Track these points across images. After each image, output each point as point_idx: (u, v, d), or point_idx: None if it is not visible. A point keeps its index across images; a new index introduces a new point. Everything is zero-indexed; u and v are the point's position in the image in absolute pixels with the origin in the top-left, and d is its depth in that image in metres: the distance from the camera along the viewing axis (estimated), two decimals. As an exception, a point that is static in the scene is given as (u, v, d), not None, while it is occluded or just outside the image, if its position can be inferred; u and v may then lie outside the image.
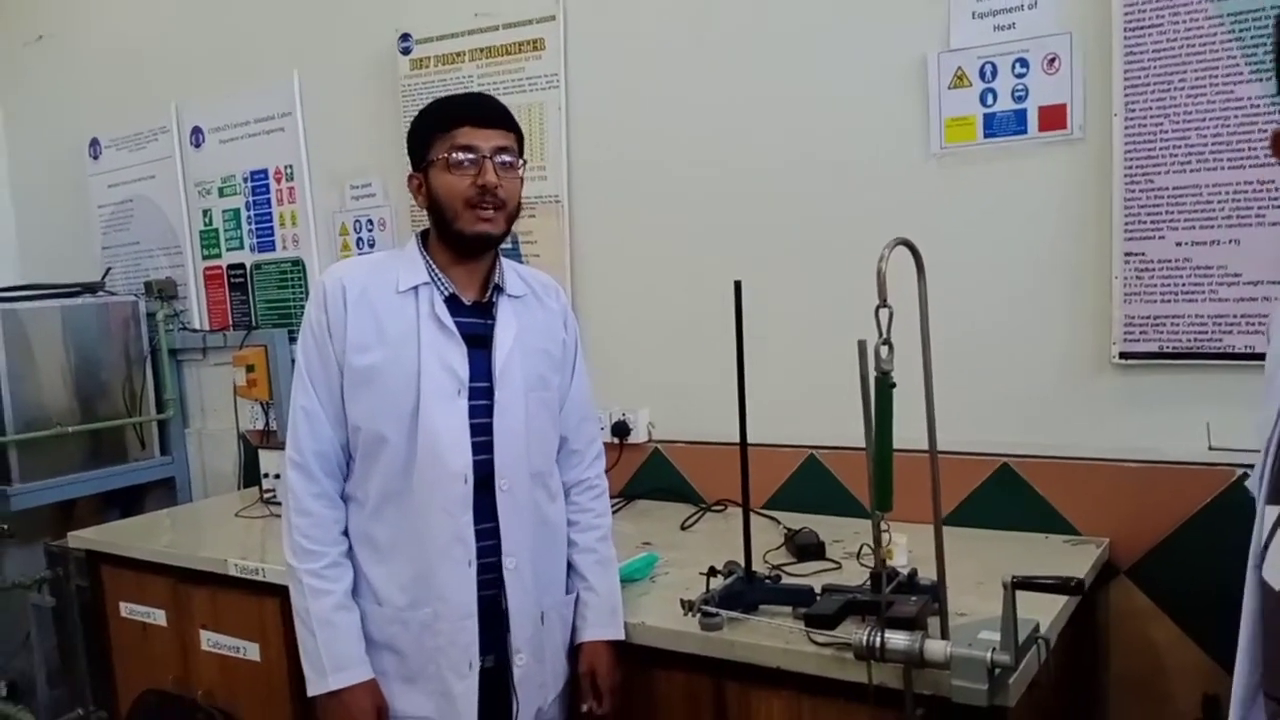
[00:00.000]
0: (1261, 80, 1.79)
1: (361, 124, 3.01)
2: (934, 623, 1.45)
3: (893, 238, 1.39)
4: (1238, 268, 1.84)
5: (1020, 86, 2.03)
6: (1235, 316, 1.85)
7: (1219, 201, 1.85)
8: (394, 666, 1.62)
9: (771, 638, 1.59)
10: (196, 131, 3.40)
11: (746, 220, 2.38)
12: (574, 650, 1.73)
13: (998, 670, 1.32)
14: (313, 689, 1.61)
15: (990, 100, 2.06)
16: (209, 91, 3.33)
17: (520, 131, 1.64)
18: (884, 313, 1.33)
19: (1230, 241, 1.84)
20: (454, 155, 1.56)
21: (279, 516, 2.63)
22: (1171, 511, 1.94)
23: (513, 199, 1.61)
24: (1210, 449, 1.77)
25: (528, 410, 1.63)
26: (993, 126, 2.07)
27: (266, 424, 3.27)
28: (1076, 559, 1.90)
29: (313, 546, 1.60)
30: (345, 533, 1.64)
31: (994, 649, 1.32)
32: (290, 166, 3.18)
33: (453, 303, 1.62)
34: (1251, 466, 1.84)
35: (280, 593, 2.19)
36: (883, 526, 1.39)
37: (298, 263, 3.22)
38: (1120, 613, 2.00)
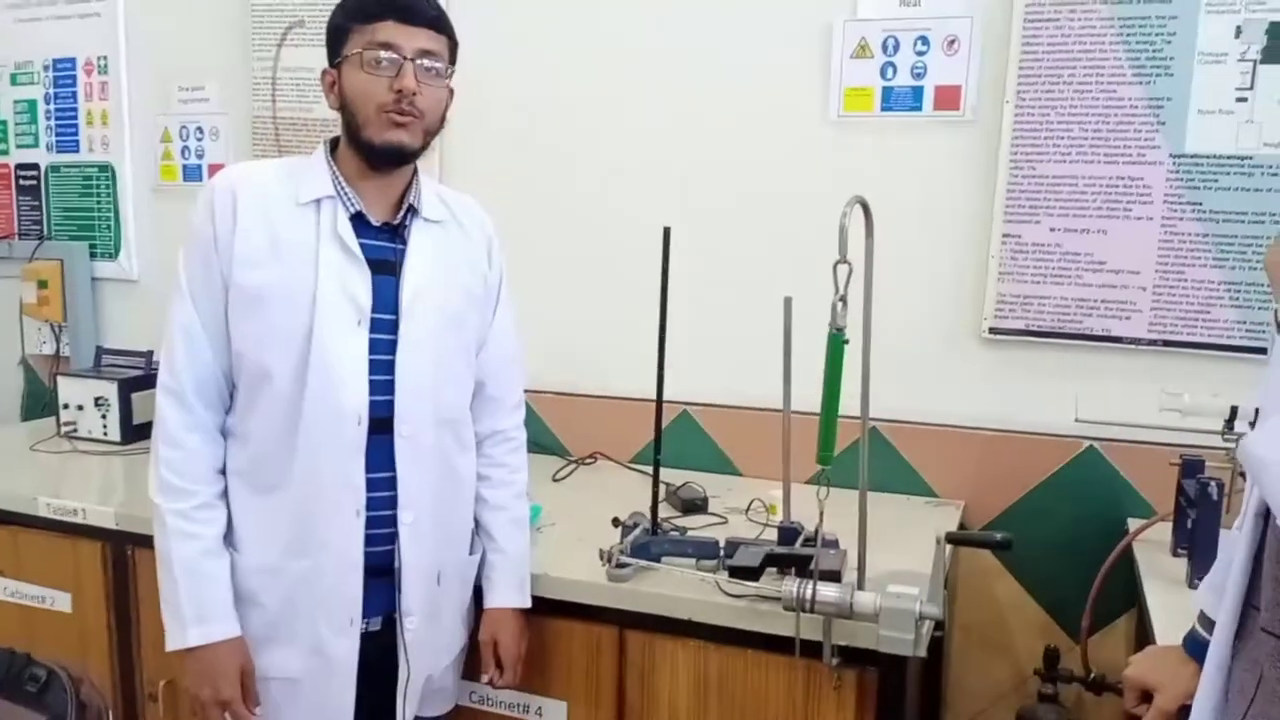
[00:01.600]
0: (1142, 83, 1.93)
1: (200, 17, 2.69)
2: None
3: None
4: (1103, 256, 1.99)
5: (920, 64, 2.09)
6: (1097, 301, 2.01)
7: (1093, 193, 1.98)
8: (257, 622, 1.46)
9: (682, 589, 1.58)
10: (-17, 5, 2.93)
11: (638, 168, 2.32)
12: (474, 614, 1.63)
13: (923, 621, 1.37)
14: (171, 642, 1.43)
15: (890, 74, 2.11)
16: (3, -41, 2.88)
17: (453, 35, 1.48)
18: (842, 269, 1.32)
19: (1099, 231, 1.99)
20: (370, 53, 1.38)
21: (84, 453, 2.37)
22: (1023, 477, 2.09)
23: (434, 111, 1.44)
24: (1076, 420, 1.91)
25: (437, 349, 1.49)
26: (890, 100, 2.12)
27: (58, 349, 2.89)
28: (942, 518, 2.01)
29: (182, 484, 1.42)
30: (223, 471, 1.47)
31: (920, 600, 1.37)
32: (105, 58, 2.80)
33: (359, 222, 1.45)
34: (1102, 440, 2.03)
35: (103, 536, 1.96)
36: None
37: (105, 168, 2.85)
38: (968, 569, 2.15)
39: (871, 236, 1.45)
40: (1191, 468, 1.75)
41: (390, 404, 1.44)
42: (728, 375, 2.31)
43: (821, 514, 1.39)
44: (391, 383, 1.44)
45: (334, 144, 1.48)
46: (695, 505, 2.00)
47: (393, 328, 1.45)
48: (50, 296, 2.83)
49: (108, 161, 2.85)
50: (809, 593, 1.39)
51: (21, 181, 2.98)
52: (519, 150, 2.42)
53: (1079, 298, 2.02)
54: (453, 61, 1.48)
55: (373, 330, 1.43)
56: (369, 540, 1.45)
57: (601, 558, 1.57)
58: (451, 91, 1.49)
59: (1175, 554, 1.77)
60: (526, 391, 2.47)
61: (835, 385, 1.35)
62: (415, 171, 1.51)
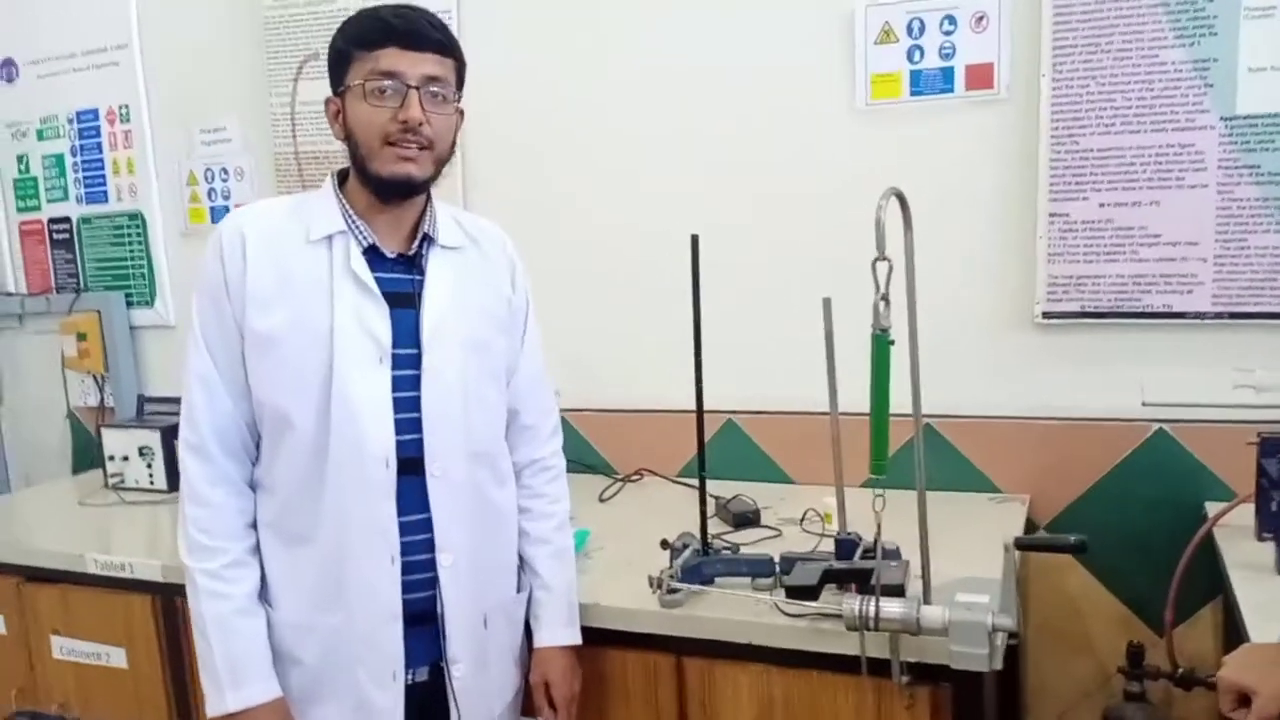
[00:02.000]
0: (1185, 45, 1.83)
1: (214, 57, 2.68)
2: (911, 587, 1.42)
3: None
4: (1158, 229, 1.89)
5: (948, 44, 2.01)
6: (1155, 276, 1.90)
7: (1141, 164, 1.89)
8: (297, 681, 1.41)
9: (738, 611, 1.51)
10: (7, 64, 2.95)
11: (659, 175, 2.27)
12: (528, 653, 1.57)
13: (996, 634, 1.29)
14: (211, 708, 1.38)
15: (917, 57, 2.03)
16: (24, 16, 2.89)
17: (461, 57, 1.42)
18: (882, 266, 1.25)
19: (1151, 203, 1.89)
20: (373, 83, 1.32)
21: (131, 504, 2.37)
22: (1089, 467, 1.99)
23: (443, 138, 1.37)
24: (1144, 405, 1.81)
25: (465, 380, 1.43)
26: (919, 84, 2.04)
27: (102, 400, 2.90)
28: (1006, 516, 1.92)
29: (210, 542, 1.37)
30: (254, 525, 1.42)
31: (993, 613, 1.29)
32: (126, 107, 2.81)
33: (374, 255, 1.40)
34: (1171, 422, 1.93)
35: (153, 589, 1.94)
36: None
37: (135, 216, 2.86)
38: (1038, 565, 2.05)
39: (910, 229, 1.37)
40: (1272, 446, 1.64)
41: (419, 443, 1.39)
42: (770, 380, 2.24)
43: (879, 526, 1.32)
44: (418, 420, 1.39)
45: (343, 176, 1.44)
46: (747, 519, 1.93)
47: (415, 362, 1.39)
48: (90, 348, 2.84)
49: (137, 209, 2.85)
50: (872, 610, 1.32)
51: (55, 236, 3.00)
52: (539, 165, 2.38)
53: (1135, 274, 1.92)
54: (461, 84, 1.42)
55: (395, 367, 1.38)
56: (407, 587, 1.40)
57: (651, 585, 1.51)
58: (462, 113, 1.44)
59: (1260, 538, 1.67)
60: (565, 411, 2.45)
61: (884, 389, 1.28)
62: (429, 199, 1.46)
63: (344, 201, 1.40)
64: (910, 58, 2.04)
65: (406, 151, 1.34)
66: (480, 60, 2.36)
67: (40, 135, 2.95)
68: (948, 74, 2.01)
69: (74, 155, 2.91)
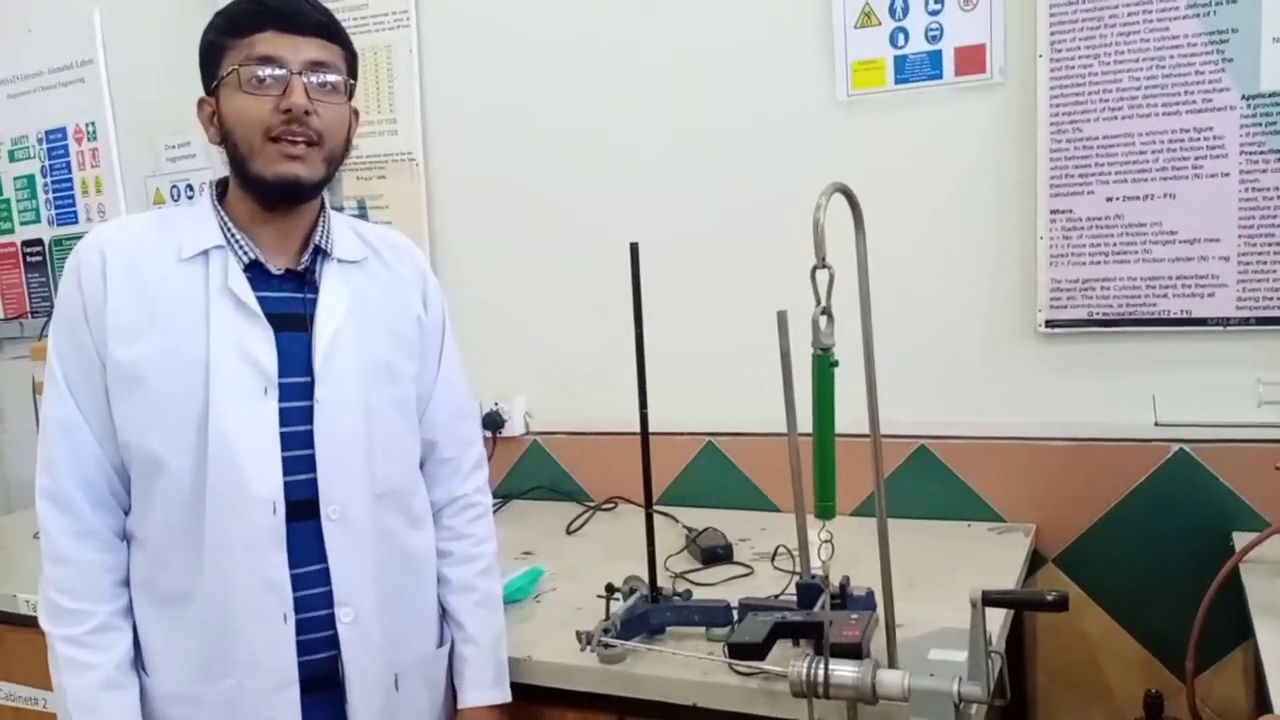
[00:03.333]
0: (1199, 16, 1.62)
1: (177, 72, 2.51)
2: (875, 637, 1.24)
3: (815, 188, 1.13)
4: (1173, 224, 1.68)
5: (934, 25, 1.82)
6: (1171, 278, 1.70)
7: (1153, 152, 1.68)
8: None
9: (684, 669, 1.33)
10: (-23, 84, 2.88)
11: (631, 180, 2.10)
12: (451, 716, 1.40)
13: (966, 705, 1.10)
14: None
15: (901, 41, 1.84)
16: (-9, 36, 2.82)
17: (350, 45, 1.27)
18: (822, 275, 1.07)
19: (1165, 196, 1.68)
20: (249, 69, 1.17)
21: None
22: (1103, 493, 1.78)
23: (334, 133, 1.22)
24: (1157, 424, 1.60)
25: (367, 411, 1.27)
26: (904, 70, 1.85)
27: (75, 425, 2.80)
28: (1008, 550, 1.73)
29: (72, 604, 1.19)
30: (125, 583, 1.25)
31: (960, 678, 1.10)
32: (93, 124, 2.71)
33: (257, 272, 1.24)
34: (1193, 442, 1.71)
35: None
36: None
37: (104, 237, 2.76)
38: (1049, 604, 1.84)
39: (862, 229, 1.19)
40: (1304, 471, 1.43)
41: (313, 483, 1.22)
42: (755, 400, 2.02)
43: (826, 576, 1.14)
44: (312, 458, 1.23)
45: (222, 187, 1.29)
46: (717, 554, 1.75)
47: (308, 392, 1.23)
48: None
49: (106, 229, 2.75)
50: (821, 674, 1.13)
51: (29, 259, 2.91)
52: (511, 177, 2.23)
53: (1149, 276, 1.71)
54: (353, 75, 1.27)
55: (284, 398, 1.21)
56: (305, 648, 1.23)
57: (580, 640, 1.33)
58: (356, 113, 1.29)
59: (1295, 577, 1.45)
60: (539, 434, 2.31)
61: (828, 418, 1.09)
62: (323, 206, 1.30)
63: (222, 213, 1.25)
64: (894, 42, 1.85)
65: (293, 149, 1.19)
66: (439, 57, 2.26)
67: (12, 156, 2.87)
68: (935, 58, 1.82)
69: (44, 176, 2.82)
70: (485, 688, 1.37)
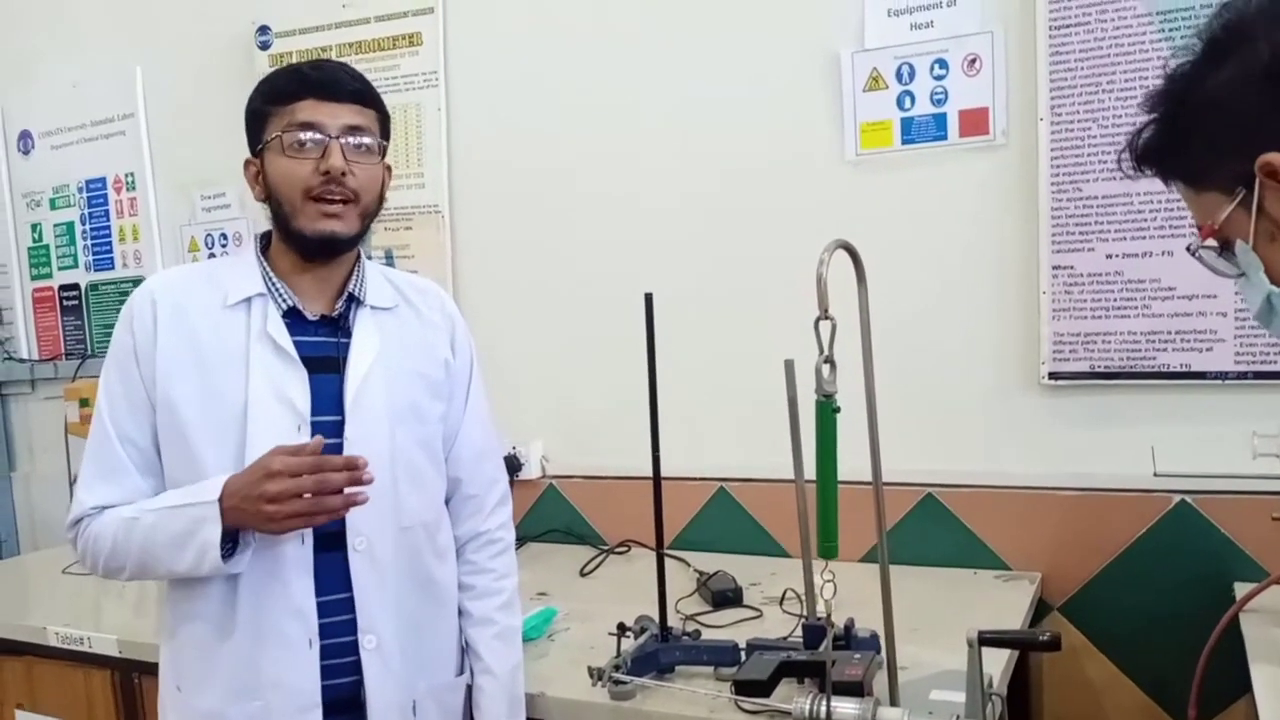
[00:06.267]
0: (1193, 83, 1.69)
1: (214, 127, 2.66)
2: (878, 677, 1.27)
3: (824, 243, 1.20)
4: (1171, 281, 1.74)
5: (939, 89, 1.90)
6: (1170, 333, 1.75)
7: (1151, 211, 1.74)
8: None
9: (692, 706, 1.37)
10: (24, 136, 3.01)
11: (647, 234, 2.18)
12: None
13: (963, 741, 1.14)
14: (208, 530, 1.21)
15: (908, 104, 1.92)
16: (39, 91, 2.95)
17: (383, 108, 1.37)
18: (825, 325, 1.13)
19: (1163, 253, 1.74)
20: (291, 135, 1.27)
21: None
22: (1106, 542, 1.82)
23: (369, 191, 1.32)
24: (1156, 475, 1.64)
25: (393, 450, 1.34)
26: (911, 131, 1.93)
27: (104, 465, 2.87)
28: (1013, 596, 1.76)
29: (103, 524, 1.28)
30: None
31: (957, 717, 1.14)
32: (131, 174, 2.83)
33: (295, 318, 1.33)
34: (1195, 493, 1.75)
35: (110, 664, 1.87)
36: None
37: (140, 282, 2.83)
38: (1054, 653, 1.86)
39: (864, 283, 1.25)
40: (1300, 522, 1.46)
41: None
42: (766, 448, 2.09)
43: (829, 615, 1.18)
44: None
45: (266, 239, 1.38)
46: (727, 598, 1.79)
47: (339, 429, 1.31)
48: (92, 414, 2.82)
49: (141, 275, 2.85)
50: (823, 711, 1.17)
51: (65, 303, 3.01)
52: (531, 226, 2.31)
53: (1149, 330, 1.76)
54: (385, 136, 1.37)
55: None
56: (328, 672, 1.29)
57: (592, 676, 1.38)
58: (389, 169, 1.38)
59: (1293, 627, 1.48)
60: (556, 478, 2.36)
61: (830, 461, 1.14)
62: (359, 258, 1.39)
63: (265, 264, 1.34)
64: (901, 104, 1.93)
65: (331, 208, 1.29)
66: (466, 115, 2.36)
67: (53, 204, 2.99)
68: (940, 120, 1.90)
69: (83, 223, 2.94)
70: (500, 718, 1.41)
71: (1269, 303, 0.91)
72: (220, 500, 1.21)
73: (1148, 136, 0.96)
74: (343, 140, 1.29)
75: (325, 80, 1.30)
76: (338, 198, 1.28)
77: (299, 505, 1.19)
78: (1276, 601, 1.52)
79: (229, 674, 1.28)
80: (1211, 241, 0.93)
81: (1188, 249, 0.97)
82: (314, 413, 1.30)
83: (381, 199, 1.37)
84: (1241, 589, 1.60)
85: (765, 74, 2.04)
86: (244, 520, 1.22)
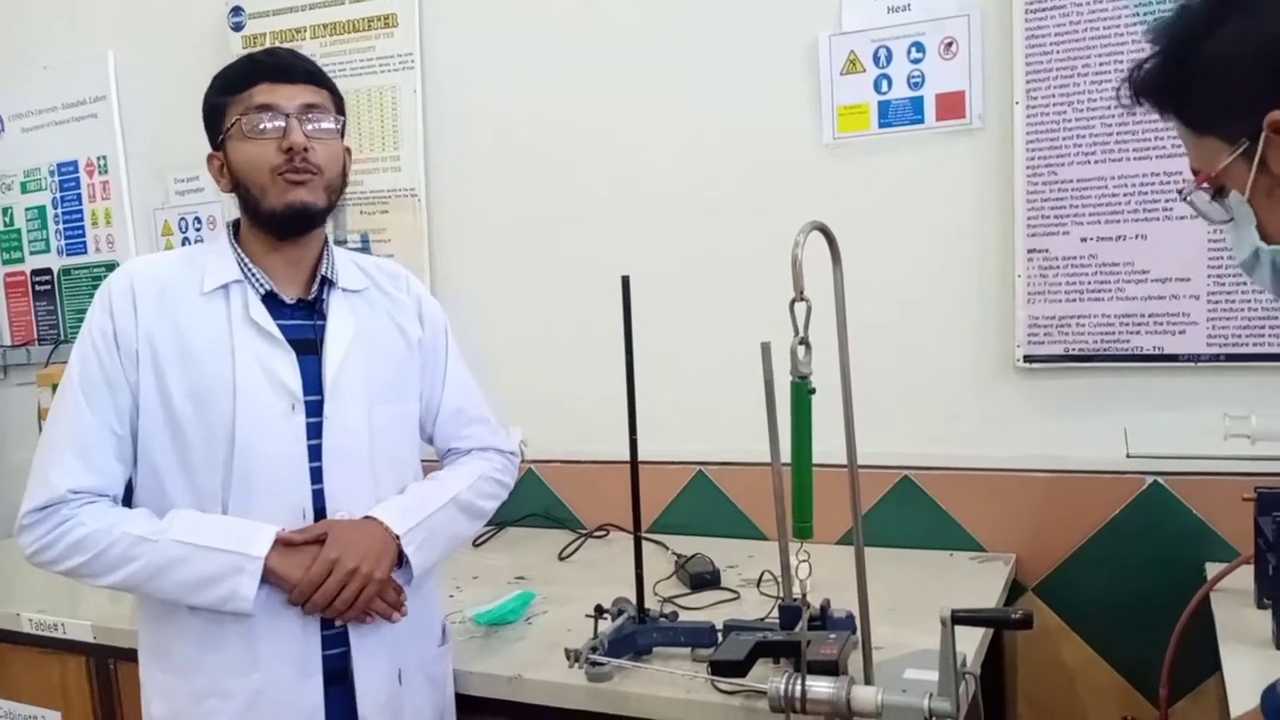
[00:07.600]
0: (1167, 66, 1.70)
1: (187, 110, 2.55)
2: (853, 658, 1.28)
3: (803, 224, 1.20)
4: (1145, 264, 1.75)
5: (917, 73, 1.90)
6: (1144, 316, 1.76)
7: (1125, 195, 1.75)
8: None
9: (670, 687, 1.38)
10: (-5, 119, 2.97)
11: (624, 218, 2.17)
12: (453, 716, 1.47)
13: (933, 718, 1.14)
14: (246, 586, 1.24)
15: (885, 87, 1.92)
16: (10, 73, 2.90)
17: (335, 89, 1.39)
18: (800, 307, 1.14)
19: (1137, 237, 1.75)
20: (250, 118, 1.29)
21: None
22: (1080, 524, 1.83)
23: (331, 166, 1.34)
24: (1128, 456, 1.66)
25: (371, 428, 1.36)
26: (888, 115, 1.93)
27: (78, 452, 2.85)
28: (988, 578, 1.77)
29: (94, 524, 1.25)
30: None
31: (930, 694, 1.15)
32: (104, 158, 2.79)
33: (272, 302, 1.34)
34: (1168, 474, 1.77)
35: (85, 650, 1.86)
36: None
37: (113, 266, 2.81)
38: (1027, 633, 1.88)
39: (839, 264, 1.25)
40: (1269, 502, 1.48)
41: (321, 492, 1.32)
42: (744, 431, 2.08)
43: (805, 595, 1.19)
44: (320, 469, 1.32)
45: (235, 227, 1.39)
46: (705, 580, 1.80)
47: (319, 409, 1.33)
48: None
49: (114, 260, 2.81)
50: (798, 690, 1.18)
51: (37, 287, 2.98)
52: (507, 209, 2.30)
53: (1123, 314, 1.77)
54: (341, 112, 1.38)
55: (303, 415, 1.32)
56: (322, 644, 1.32)
57: (569, 658, 1.38)
58: (348, 151, 1.40)
59: (1260, 605, 1.49)
60: (532, 462, 2.36)
61: (805, 443, 1.15)
62: (326, 241, 1.41)
63: (239, 250, 1.35)
64: (878, 88, 1.93)
65: (297, 177, 1.30)
66: (442, 98, 2.34)
67: (24, 188, 2.94)
68: (917, 104, 1.90)
69: (55, 207, 2.90)
70: (391, 509, 1.36)
71: (1256, 256, 0.91)
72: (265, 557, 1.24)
73: (1151, 70, 0.91)
74: (301, 119, 1.31)
75: (279, 64, 1.33)
76: (303, 170, 1.30)
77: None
78: (1246, 582, 1.53)
79: (230, 652, 1.29)
80: (1206, 186, 0.91)
81: (1178, 192, 0.95)
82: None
83: (345, 176, 1.39)
84: (1213, 569, 1.62)
85: (743, 57, 2.03)
86: (279, 582, 1.26)
